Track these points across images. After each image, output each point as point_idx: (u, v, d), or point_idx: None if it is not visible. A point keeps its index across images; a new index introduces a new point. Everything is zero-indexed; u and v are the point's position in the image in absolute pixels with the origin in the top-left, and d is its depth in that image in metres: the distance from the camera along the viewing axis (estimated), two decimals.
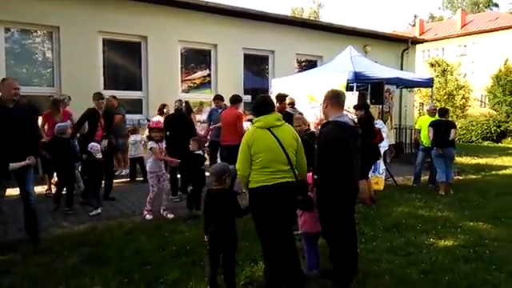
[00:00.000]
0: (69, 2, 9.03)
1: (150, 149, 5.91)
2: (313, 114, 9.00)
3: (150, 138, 6.20)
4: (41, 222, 5.38)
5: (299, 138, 3.54)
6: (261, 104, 3.54)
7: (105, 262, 4.14)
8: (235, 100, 7.53)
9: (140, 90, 10.28)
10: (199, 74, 11.60)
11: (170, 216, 5.86)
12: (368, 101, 8.60)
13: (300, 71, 12.35)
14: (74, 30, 9.14)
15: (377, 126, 8.32)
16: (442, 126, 7.80)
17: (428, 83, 10.66)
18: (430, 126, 7.93)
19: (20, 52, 9.14)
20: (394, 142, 11.27)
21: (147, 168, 6.08)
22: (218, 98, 8.71)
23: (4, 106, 4.47)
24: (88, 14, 9.24)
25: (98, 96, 6.81)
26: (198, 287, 3.60)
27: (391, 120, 10.52)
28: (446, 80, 26.86)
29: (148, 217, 5.79)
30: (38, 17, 8.81)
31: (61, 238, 4.86)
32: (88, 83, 9.03)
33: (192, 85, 11.45)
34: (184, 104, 7.73)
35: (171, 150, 6.59)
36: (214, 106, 8.87)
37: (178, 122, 7.03)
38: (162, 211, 5.93)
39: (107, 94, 9.56)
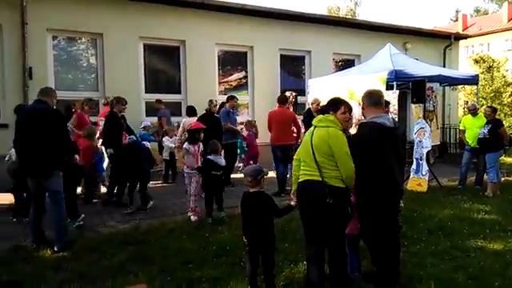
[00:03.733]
0: (111, 9, 9.40)
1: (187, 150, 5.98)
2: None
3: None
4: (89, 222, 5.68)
5: (336, 145, 3.29)
6: (327, 104, 3.66)
7: (149, 260, 4.27)
8: (285, 100, 8.01)
9: (179, 92, 10.53)
10: (236, 75, 11.71)
11: (194, 218, 5.82)
12: (409, 100, 8.37)
13: (337, 71, 12.20)
14: (116, 37, 9.50)
15: (418, 125, 8.10)
16: None
17: (473, 80, 10.25)
18: (503, 126, 7.83)
19: (66, 58, 9.60)
20: (439, 143, 10.87)
21: (185, 170, 6.08)
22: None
23: None
24: (129, 21, 9.57)
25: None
26: (238, 286, 3.63)
27: (437, 119, 10.12)
28: (492, 77, 25.61)
29: (193, 218, 5.81)
30: (82, 24, 9.22)
31: (107, 237, 5.06)
32: (130, 87, 9.36)
33: (229, 87, 11.58)
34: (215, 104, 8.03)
35: None
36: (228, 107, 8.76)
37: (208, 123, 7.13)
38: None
39: (148, 97, 10.03)
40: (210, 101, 8.11)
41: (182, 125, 8.27)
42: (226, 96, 10.98)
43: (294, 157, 3.68)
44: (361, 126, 3.67)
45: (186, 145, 6.06)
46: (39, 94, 4.81)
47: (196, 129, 6.20)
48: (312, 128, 3.51)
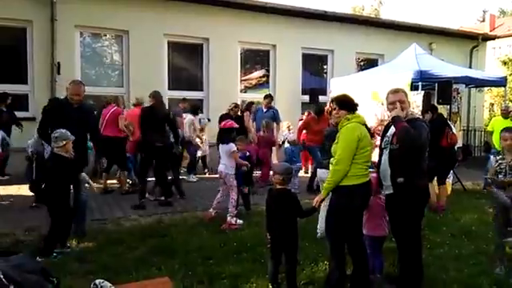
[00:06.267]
0: (137, 7, 9.54)
1: (233, 152, 5.61)
2: (373, 114, 8.74)
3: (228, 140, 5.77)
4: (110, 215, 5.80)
5: None
6: (353, 102, 3.56)
7: (170, 254, 4.34)
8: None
9: (201, 90, 10.62)
10: (258, 74, 11.74)
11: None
12: (435, 101, 8.22)
13: (360, 70, 12.07)
14: (141, 33, 9.65)
15: None
16: None
17: (501, 82, 9.99)
18: None
19: (93, 54, 9.80)
20: (461, 145, 10.64)
21: (228, 171, 5.61)
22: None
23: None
24: (155, 18, 9.70)
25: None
26: (258, 283, 3.64)
27: (460, 121, 9.95)
28: None
29: (239, 221, 5.46)
30: (109, 21, 9.41)
31: (130, 230, 5.18)
32: (154, 84, 9.40)
33: (250, 85, 11.61)
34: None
35: None
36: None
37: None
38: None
39: (171, 94, 10.17)
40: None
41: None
42: (247, 94, 11.11)
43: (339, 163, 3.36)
44: (418, 121, 3.54)
45: (234, 147, 5.64)
46: None
47: (231, 128, 5.89)
48: (364, 127, 3.48)
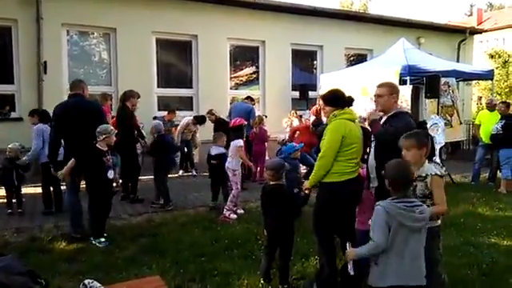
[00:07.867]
0: (124, 4, 9.43)
1: (239, 147, 5.82)
2: (363, 108, 8.78)
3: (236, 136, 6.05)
4: None
5: None
6: (341, 97, 3.55)
7: (161, 252, 4.33)
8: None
9: (191, 87, 10.56)
10: (247, 70, 11.70)
11: (240, 211, 5.93)
12: (423, 94, 8.27)
13: (349, 66, 12.11)
14: (129, 31, 9.54)
15: (432, 121, 8.00)
16: None
17: (488, 75, 10.11)
18: None
19: (80, 53, 9.66)
20: (464, 138, 10.60)
21: (230, 166, 5.85)
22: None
23: None
24: (142, 15, 9.60)
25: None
26: (250, 279, 3.65)
27: (458, 114, 9.90)
28: (507, 72, 25.19)
29: (233, 216, 5.66)
30: (96, 19, 9.28)
31: (121, 229, 5.14)
32: (142, 82, 9.40)
33: (240, 81, 11.57)
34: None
35: None
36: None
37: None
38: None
39: (160, 92, 10.11)
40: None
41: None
42: (237, 91, 11.08)
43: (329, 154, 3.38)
44: (406, 115, 3.61)
45: (241, 142, 5.88)
46: (71, 88, 5.21)
47: (241, 125, 6.29)
48: (353, 123, 3.48)
